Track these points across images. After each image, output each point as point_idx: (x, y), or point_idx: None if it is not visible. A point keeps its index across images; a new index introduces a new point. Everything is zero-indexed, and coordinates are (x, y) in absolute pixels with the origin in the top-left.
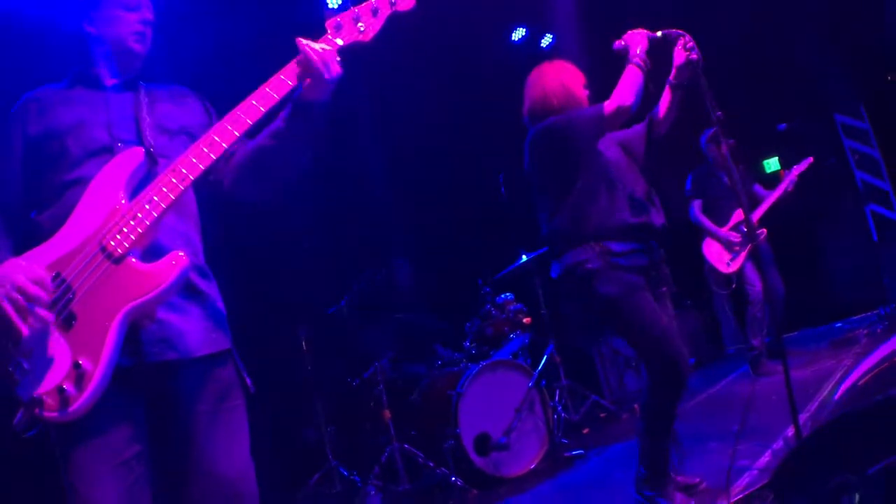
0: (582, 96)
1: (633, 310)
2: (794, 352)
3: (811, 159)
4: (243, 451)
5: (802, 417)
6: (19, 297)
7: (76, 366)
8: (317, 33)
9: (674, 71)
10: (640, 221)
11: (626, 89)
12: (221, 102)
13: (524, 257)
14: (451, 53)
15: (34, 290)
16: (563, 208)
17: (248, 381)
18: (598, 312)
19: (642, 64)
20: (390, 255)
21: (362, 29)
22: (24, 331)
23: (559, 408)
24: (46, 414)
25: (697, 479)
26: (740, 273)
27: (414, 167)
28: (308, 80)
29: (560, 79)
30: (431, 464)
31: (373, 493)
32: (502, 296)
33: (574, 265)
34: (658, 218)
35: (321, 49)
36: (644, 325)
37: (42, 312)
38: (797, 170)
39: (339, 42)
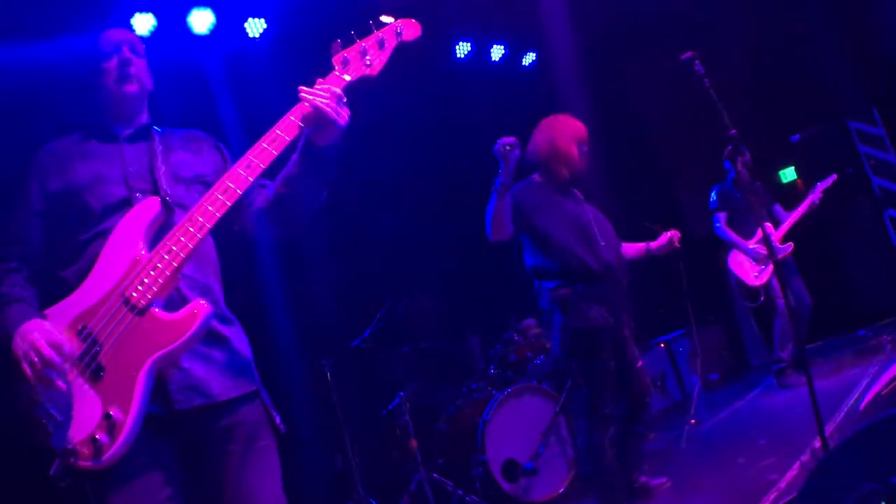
0: (572, 153)
1: (597, 346)
2: (819, 361)
3: (835, 176)
4: (276, 488)
5: (829, 428)
6: (35, 358)
7: (107, 416)
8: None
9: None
10: (609, 271)
11: (490, 225)
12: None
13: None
14: (463, 80)
15: (49, 353)
16: (546, 251)
17: (277, 420)
18: (570, 340)
19: (503, 189)
20: (411, 284)
21: (369, 63)
22: (41, 393)
23: None
24: (81, 463)
25: (663, 480)
26: (768, 286)
27: (432, 194)
28: (316, 126)
29: (551, 136)
30: (460, 492)
31: None
32: (524, 321)
33: (553, 290)
34: (624, 273)
35: (326, 95)
36: (601, 361)
37: (54, 377)
38: (821, 186)
39: (347, 78)
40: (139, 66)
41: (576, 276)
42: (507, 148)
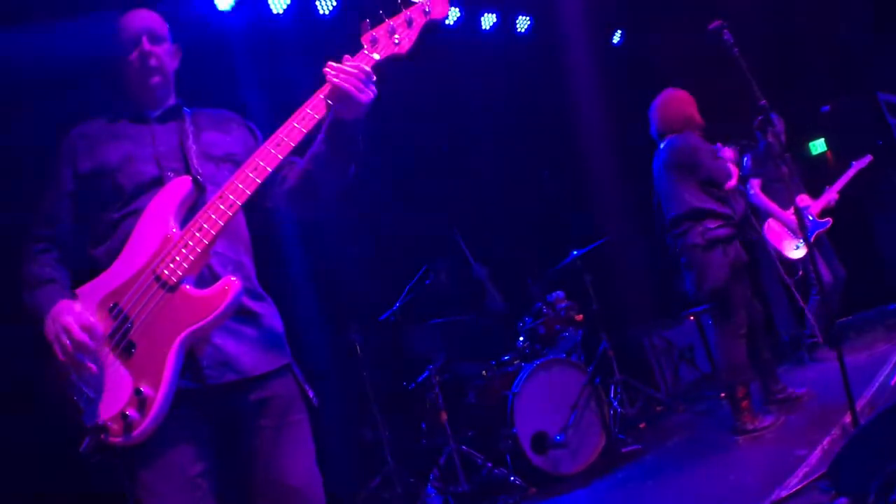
0: (699, 119)
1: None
2: (850, 336)
3: (871, 157)
4: (309, 462)
5: (860, 404)
6: (67, 341)
7: (137, 392)
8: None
9: None
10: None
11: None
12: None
13: (574, 253)
14: (492, 53)
15: (81, 337)
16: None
17: (310, 393)
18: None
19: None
20: (440, 258)
21: (398, 41)
22: (73, 374)
23: (615, 403)
24: (112, 439)
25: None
26: (807, 259)
27: (459, 169)
28: (341, 103)
29: (680, 107)
30: (490, 464)
31: (433, 494)
32: (553, 293)
33: (715, 229)
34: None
35: (350, 73)
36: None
37: (86, 361)
38: (858, 165)
39: (376, 56)
40: (160, 55)
41: (732, 219)
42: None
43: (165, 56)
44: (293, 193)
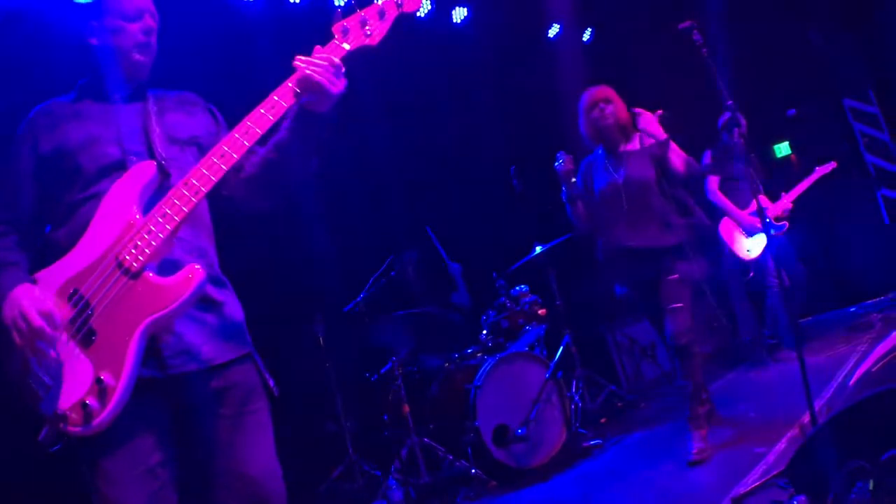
0: (589, 126)
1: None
2: (810, 337)
3: (834, 164)
4: (269, 452)
5: (818, 404)
6: (24, 326)
7: (98, 381)
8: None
9: None
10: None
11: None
12: (228, 105)
13: (538, 249)
14: (462, 47)
15: (39, 323)
16: None
17: (270, 383)
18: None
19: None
20: (405, 250)
21: (369, 33)
22: (32, 361)
23: (576, 398)
24: (70, 429)
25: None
26: (761, 262)
27: (426, 161)
28: (311, 94)
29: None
30: (451, 457)
31: (394, 486)
32: (517, 288)
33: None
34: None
35: (322, 65)
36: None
37: (44, 347)
38: (820, 171)
39: (346, 47)
40: (153, 40)
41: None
42: (560, 163)
43: (155, 42)
44: (252, 182)
